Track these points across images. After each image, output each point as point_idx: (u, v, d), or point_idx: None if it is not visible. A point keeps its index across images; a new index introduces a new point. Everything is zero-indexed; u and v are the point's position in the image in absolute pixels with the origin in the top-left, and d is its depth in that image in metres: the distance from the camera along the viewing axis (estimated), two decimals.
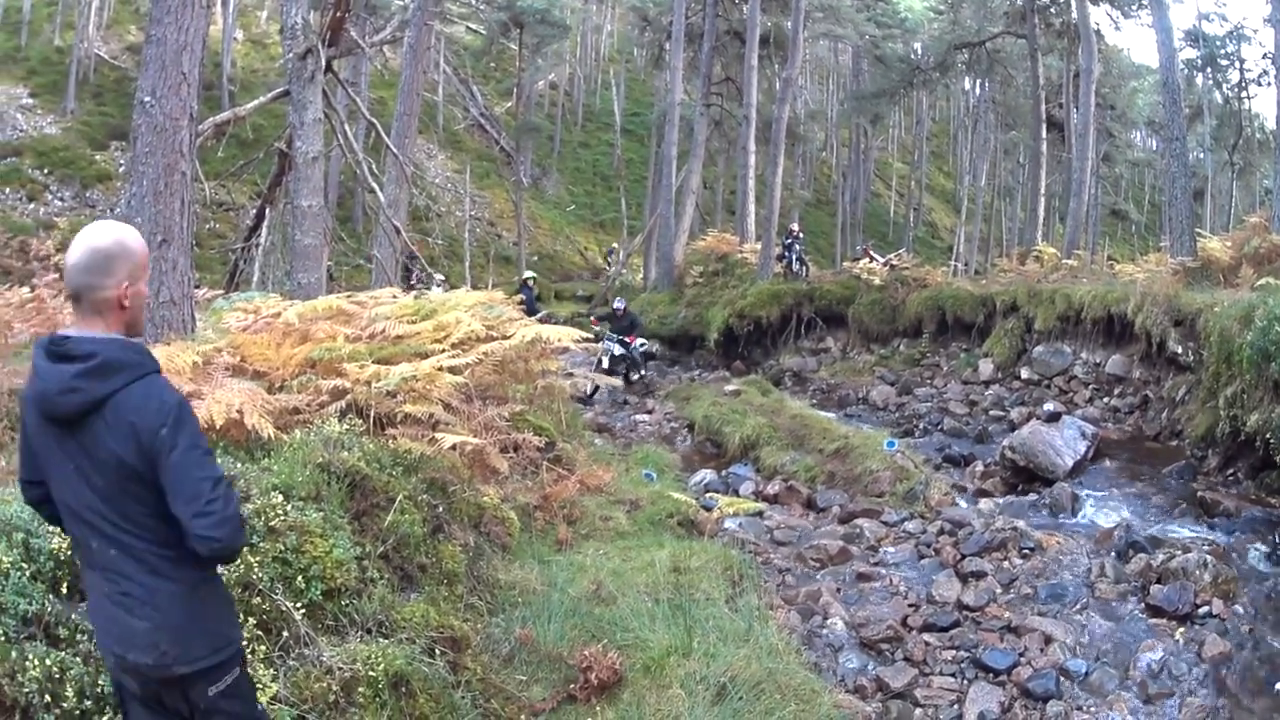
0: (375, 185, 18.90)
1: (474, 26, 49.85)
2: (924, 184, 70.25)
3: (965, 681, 8.13)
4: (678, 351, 31.13)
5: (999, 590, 9.98)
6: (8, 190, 39.40)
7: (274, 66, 52.68)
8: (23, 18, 49.70)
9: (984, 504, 13.69)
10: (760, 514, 12.93)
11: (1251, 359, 12.51)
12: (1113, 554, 10.74)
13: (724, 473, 15.60)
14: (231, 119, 17.70)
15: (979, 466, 15.80)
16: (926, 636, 8.98)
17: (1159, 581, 9.73)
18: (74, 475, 3.24)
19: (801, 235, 32.11)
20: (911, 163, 71.09)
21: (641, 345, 24.22)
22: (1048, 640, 8.65)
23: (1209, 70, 51.31)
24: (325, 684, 4.90)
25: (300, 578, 5.29)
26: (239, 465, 5.91)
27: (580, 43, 73.74)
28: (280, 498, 5.50)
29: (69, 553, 4.49)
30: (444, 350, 8.80)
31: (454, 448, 7.64)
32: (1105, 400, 19.19)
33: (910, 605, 9.74)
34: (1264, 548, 10.75)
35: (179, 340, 7.73)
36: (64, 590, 4.50)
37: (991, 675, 8.16)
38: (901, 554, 11.39)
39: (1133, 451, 15.92)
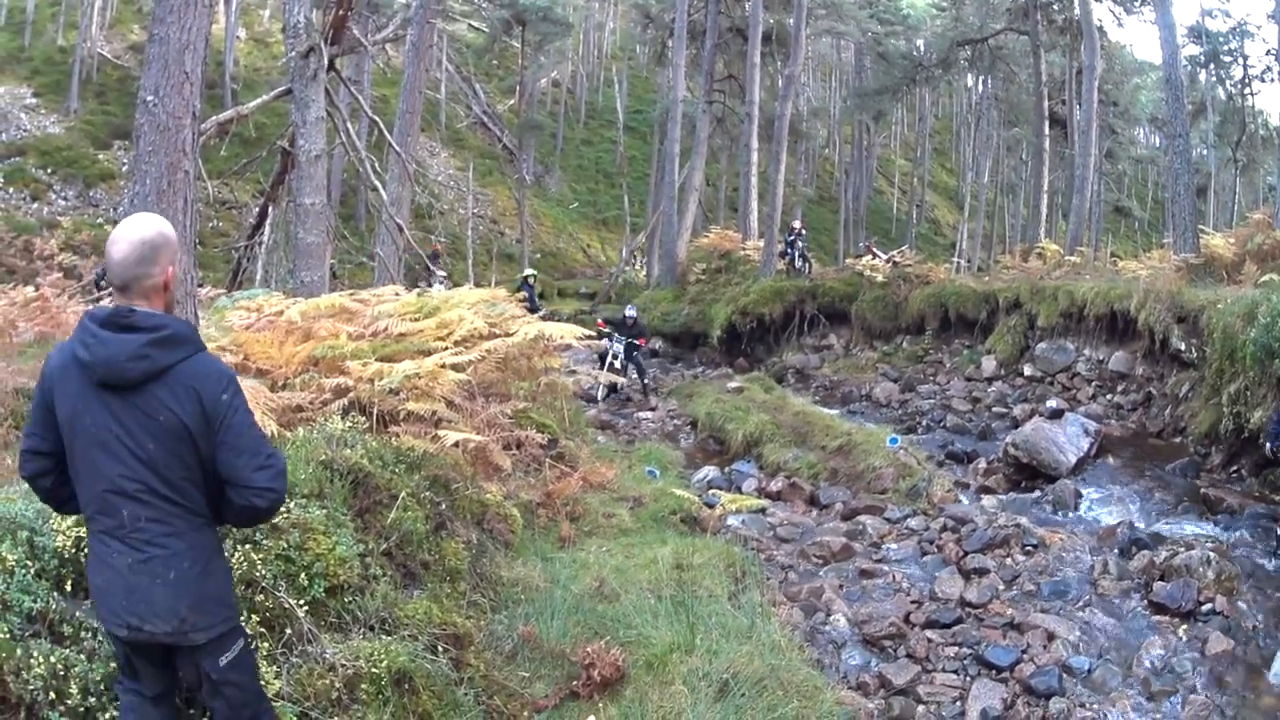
0: (378, 183, 18.90)
1: (476, 24, 49.79)
2: (927, 181, 70.23)
3: (968, 678, 8.13)
4: (681, 349, 31.14)
5: (1002, 587, 9.98)
6: (12, 190, 39.43)
7: (276, 65, 52.67)
8: (26, 18, 49.78)
9: (987, 501, 13.69)
10: (763, 511, 12.94)
11: (1255, 356, 12.52)
12: (1116, 551, 10.74)
13: (727, 470, 15.60)
14: (234, 117, 17.71)
15: (982, 463, 15.80)
16: (929, 633, 8.98)
17: (1162, 578, 9.73)
18: (117, 442, 3.41)
19: (804, 232, 32.11)
20: (914, 159, 71.07)
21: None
22: (1050, 637, 8.65)
23: (1212, 66, 51.31)
24: (328, 681, 4.91)
25: (303, 575, 5.30)
26: None
27: (583, 40, 73.74)
28: None
29: (73, 551, 4.51)
30: (447, 348, 8.81)
31: (457, 445, 7.66)
32: (1108, 397, 19.18)
33: (913, 602, 9.74)
34: (1267, 545, 10.74)
35: None
36: (68, 588, 4.51)
37: (994, 672, 8.17)
38: (904, 551, 11.40)
39: (1136, 448, 15.91)
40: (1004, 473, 15.08)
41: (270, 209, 19.31)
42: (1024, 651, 8.43)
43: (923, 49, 52.02)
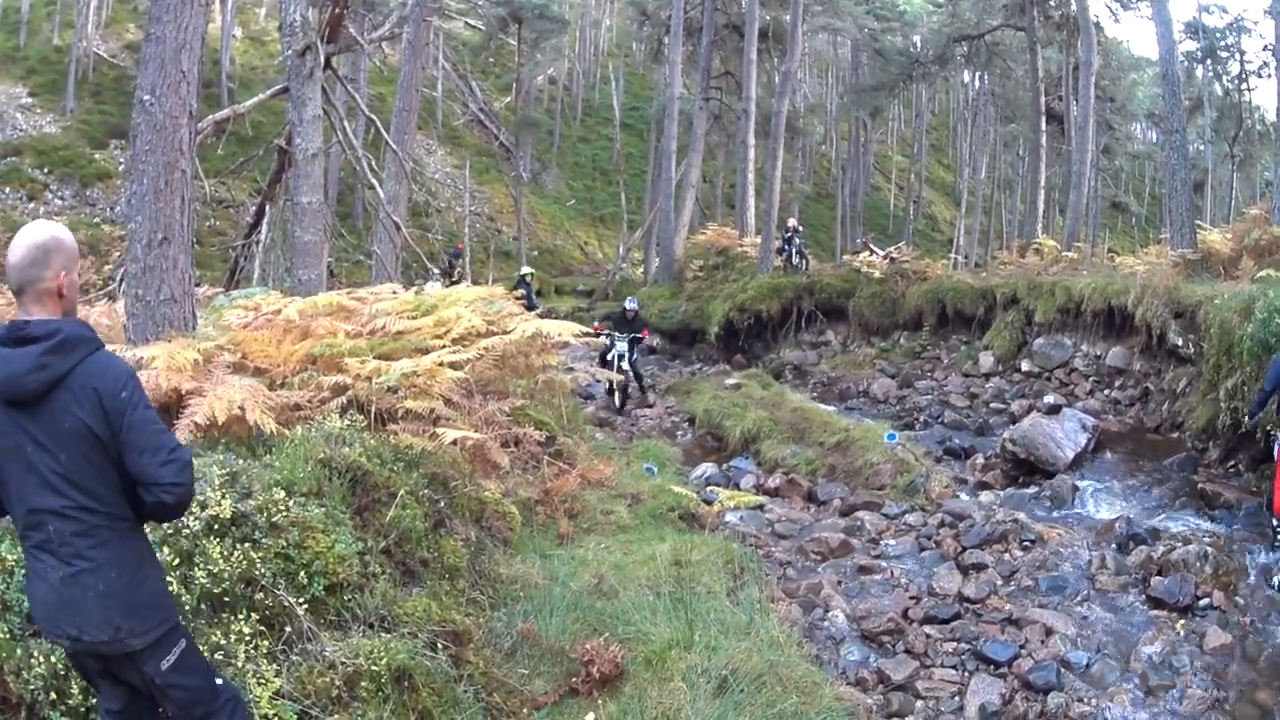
0: (375, 181, 18.91)
1: (472, 22, 49.80)
2: (924, 177, 70.20)
3: (966, 673, 8.15)
4: (678, 345, 31.16)
5: (1000, 582, 10.00)
6: (8, 190, 39.38)
7: (273, 64, 52.63)
8: (21, 17, 49.70)
9: (985, 496, 13.71)
10: (761, 507, 12.95)
11: (1252, 351, 12.53)
12: (1113, 546, 10.76)
13: (725, 466, 15.61)
14: (231, 116, 17.72)
15: (980, 459, 15.81)
16: (927, 629, 9.00)
17: (1160, 573, 9.75)
18: (33, 457, 3.42)
19: (801, 229, 32.12)
20: (911, 156, 71.06)
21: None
22: (1048, 632, 8.67)
23: (1209, 62, 51.37)
24: (328, 679, 4.92)
25: (302, 573, 5.31)
26: (241, 462, 5.93)
27: (579, 37, 73.76)
28: (282, 494, 5.52)
29: None
30: (444, 346, 8.82)
31: (455, 443, 7.66)
32: (1106, 392, 19.19)
33: (911, 597, 9.76)
34: (1264, 540, 10.75)
35: (180, 337, 7.74)
36: None
37: (992, 667, 8.18)
38: (902, 546, 11.41)
39: (1133, 444, 15.93)
40: (1002, 468, 15.10)
41: (267, 207, 19.29)
42: (1022, 646, 8.44)
43: (919, 45, 52.02)
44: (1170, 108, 23.11)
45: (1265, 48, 45.94)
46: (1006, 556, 10.69)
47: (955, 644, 8.67)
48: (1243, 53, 50.15)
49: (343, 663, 5.03)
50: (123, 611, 3.48)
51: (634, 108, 70.82)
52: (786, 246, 30.27)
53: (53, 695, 4.09)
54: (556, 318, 12.26)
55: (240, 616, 4.82)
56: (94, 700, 4.13)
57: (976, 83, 60.13)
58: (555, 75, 69.67)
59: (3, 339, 3.42)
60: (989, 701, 7.49)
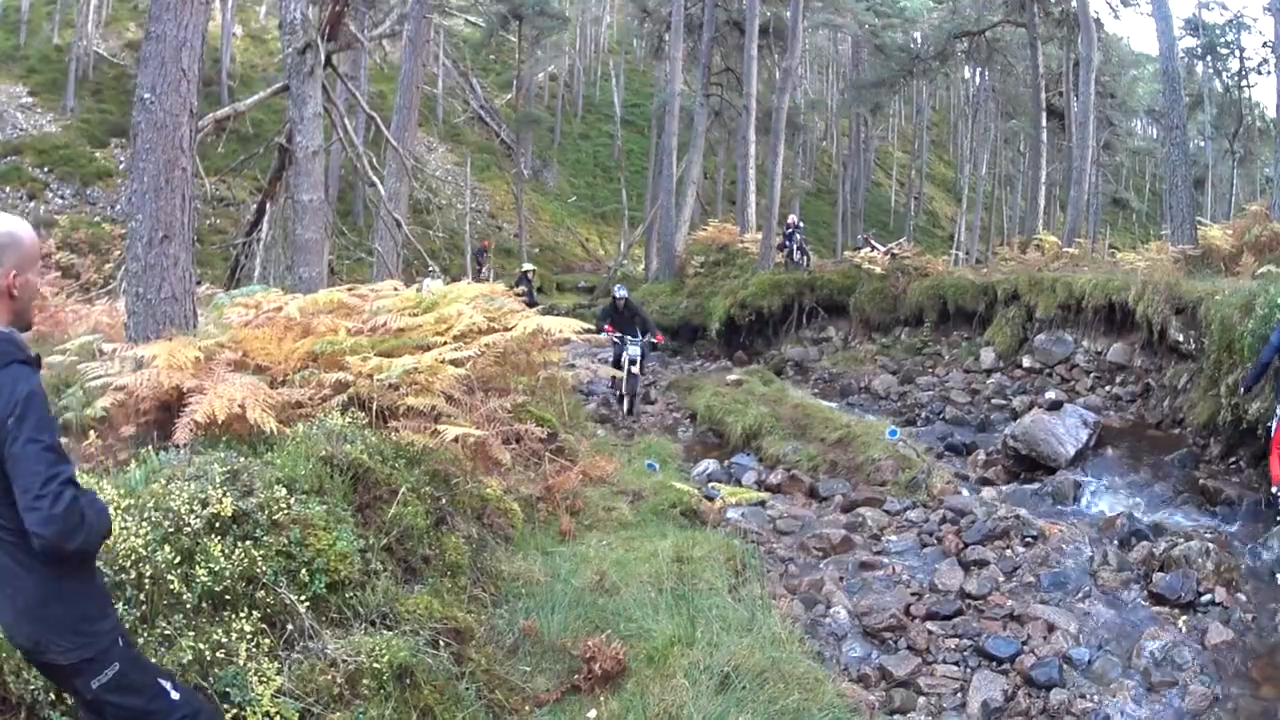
0: (376, 179, 18.90)
1: (473, 19, 49.84)
2: (924, 173, 70.29)
3: (968, 670, 8.13)
4: (679, 342, 31.15)
5: (1001, 579, 9.98)
6: (8, 189, 39.42)
7: (273, 62, 52.64)
8: (21, 16, 49.76)
9: (986, 492, 13.68)
10: (763, 503, 12.94)
11: (1253, 347, 12.50)
12: (1115, 542, 10.74)
13: (726, 463, 15.58)
14: (231, 115, 17.70)
15: (981, 455, 15.79)
16: (929, 625, 8.98)
17: (1161, 569, 9.73)
18: None
19: (802, 225, 32.11)
20: (912, 152, 71.14)
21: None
22: (1050, 628, 8.65)
23: (1209, 59, 51.40)
24: (330, 676, 4.92)
25: (304, 571, 5.31)
26: (242, 459, 5.92)
27: (580, 34, 73.80)
28: (283, 491, 5.52)
29: None
30: (446, 343, 8.83)
31: (456, 440, 7.66)
32: (1107, 388, 19.16)
33: (913, 594, 9.73)
34: (1267, 535, 10.74)
35: (181, 336, 7.74)
36: None
37: (994, 663, 8.16)
38: (904, 543, 11.39)
39: (1135, 440, 15.91)
40: (1003, 464, 15.09)
41: (268, 205, 19.27)
42: (1024, 643, 8.43)
43: (920, 42, 51.96)
44: (1170, 104, 23.11)
45: (1265, 44, 45.99)
46: (1008, 553, 10.67)
47: (957, 640, 8.66)
48: (1242, 49, 50.22)
49: (344, 660, 5.03)
50: (40, 629, 3.35)
51: (635, 104, 70.87)
52: (787, 243, 30.29)
53: (52, 695, 4.08)
54: (558, 314, 12.26)
55: (242, 614, 4.82)
56: None
57: (977, 79, 60.23)
58: (556, 72, 69.72)
59: None
60: (991, 698, 7.48)
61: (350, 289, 11.09)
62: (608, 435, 15.85)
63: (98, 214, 39.27)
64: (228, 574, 4.90)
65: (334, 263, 23.98)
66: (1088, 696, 7.47)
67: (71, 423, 7.44)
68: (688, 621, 6.91)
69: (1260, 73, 49.37)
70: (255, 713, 4.47)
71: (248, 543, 5.10)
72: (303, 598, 5.17)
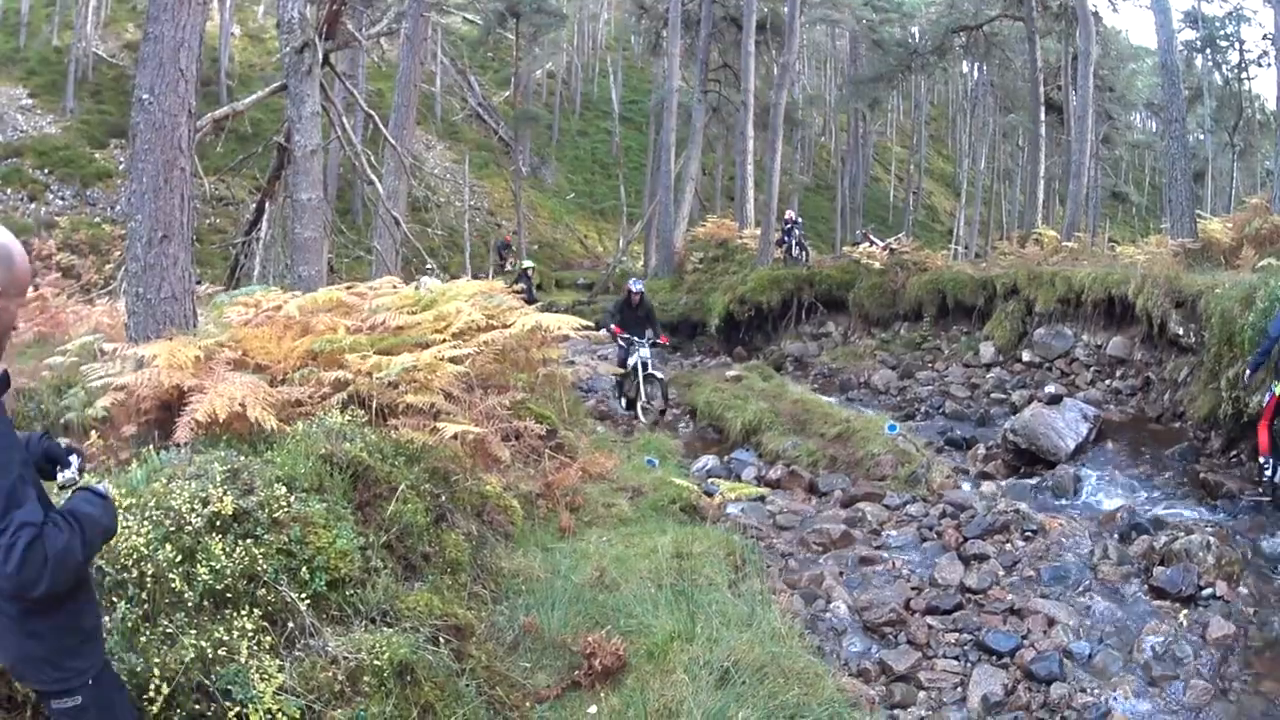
0: (374, 177, 18.91)
1: (471, 17, 49.79)
2: (923, 168, 70.26)
3: (968, 664, 8.14)
4: (679, 338, 31.11)
5: (1001, 573, 9.98)
6: (9, 191, 39.50)
7: (271, 61, 52.62)
8: (21, 19, 49.83)
9: (986, 487, 13.69)
10: (762, 499, 12.94)
11: (1253, 340, 12.51)
12: (1115, 536, 10.74)
13: (726, 458, 15.60)
14: (230, 114, 17.72)
15: (981, 449, 15.81)
16: (929, 619, 8.99)
17: (1162, 563, 9.72)
18: None
19: (800, 221, 32.10)
20: (910, 147, 71.10)
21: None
22: (1051, 622, 8.65)
23: (1208, 52, 51.33)
24: (331, 674, 4.93)
25: (304, 569, 5.32)
26: (242, 458, 5.94)
27: (577, 31, 73.79)
28: (284, 489, 5.54)
29: None
30: (445, 340, 8.84)
31: (455, 437, 7.67)
32: (1107, 382, 19.17)
33: (913, 588, 9.75)
34: (1268, 529, 10.75)
35: (181, 335, 7.76)
36: None
37: (995, 658, 8.17)
38: (904, 537, 11.40)
39: (1135, 433, 15.91)
40: (1003, 459, 15.09)
41: (267, 205, 19.27)
42: (1024, 637, 8.43)
43: (917, 36, 51.92)
44: (1170, 97, 23.09)
45: (1265, 36, 45.93)
46: (1008, 547, 10.68)
47: (957, 635, 8.66)
48: (1242, 42, 50.11)
49: (345, 658, 5.04)
50: (14, 657, 3.31)
51: (633, 101, 70.88)
52: (786, 238, 30.28)
53: None
54: (557, 311, 12.28)
55: (243, 612, 4.82)
56: None
57: (975, 73, 60.22)
58: (554, 69, 69.74)
59: None
60: (991, 692, 7.49)
61: (349, 287, 11.12)
62: (607, 432, 15.86)
63: (98, 215, 39.35)
64: (229, 572, 4.91)
65: (333, 261, 24.01)
66: (1088, 690, 7.48)
67: (73, 423, 7.47)
68: (688, 617, 6.92)
69: (1260, 65, 49.37)
70: (257, 710, 4.48)
71: (248, 541, 5.11)
72: (303, 595, 5.18)
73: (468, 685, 5.60)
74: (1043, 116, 40.09)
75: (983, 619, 8.91)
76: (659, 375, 18.48)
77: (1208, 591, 9.14)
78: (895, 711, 7.37)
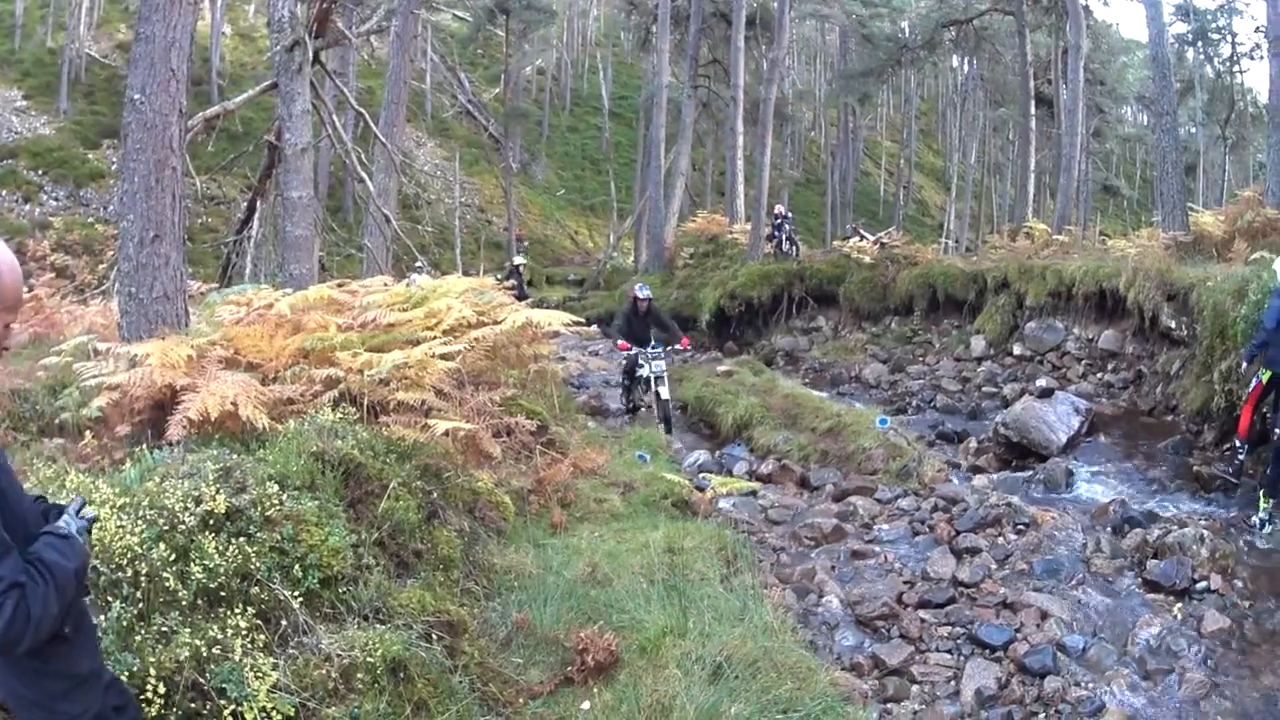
0: (365, 175, 18.91)
1: (460, 14, 49.72)
2: (913, 162, 70.37)
3: (962, 658, 8.14)
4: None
5: (994, 566, 9.98)
6: (4, 192, 39.63)
7: (262, 60, 52.69)
8: (15, 21, 49.88)
9: (978, 480, 13.70)
10: (754, 493, 12.94)
11: (1245, 333, 12.54)
12: (1108, 529, 10.76)
13: (718, 453, 15.61)
14: (221, 113, 17.71)
15: (972, 443, 15.82)
16: (922, 613, 8.98)
17: (1155, 557, 9.74)
18: None
19: (790, 215, 32.15)
20: (900, 141, 71.26)
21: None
22: (1044, 616, 8.65)
23: (1200, 44, 51.45)
24: (324, 671, 4.93)
25: (297, 566, 5.32)
26: (234, 456, 5.94)
27: (567, 27, 73.78)
28: (276, 487, 5.53)
29: None
30: (435, 337, 8.83)
31: (447, 434, 7.67)
32: (1099, 376, 19.21)
33: (905, 582, 9.74)
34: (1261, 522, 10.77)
35: (173, 334, 7.75)
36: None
37: (988, 651, 8.16)
38: (896, 531, 11.40)
39: (1127, 427, 15.95)
40: (995, 452, 15.11)
41: (258, 203, 19.28)
42: (1018, 630, 8.43)
43: (907, 31, 51.95)
44: (1161, 90, 23.11)
45: (1257, 29, 46.06)
46: (1000, 540, 10.68)
47: (950, 628, 8.66)
48: (1234, 35, 50.30)
49: (338, 655, 5.04)
50: (9, 696, 3.29)
51: (622, 97, 70.89)
52: (776, 233, 30.34)
53: None
54: (547, 307, 12.29)
55: (236, 610, 4.82)
56: None
57: (965, 67, 60.25)
58: (543, 66, 69.79)
59: None
60: (985, 685, 7.49)
61: (340, 285, 11.11)
62: (598, 427, 15.84)
63: (91, 215, 39.40)
64: (222, 571, 4.91)
65: (324, 259, 23.98)
66: (1082, 684, 7.48)
67: (68, 423, 7.47)
68: (680, 612, 6.92)
69: (1252, 58, 49.49)
70: (251, 708, 4.48)
71: (241, 539, 5.11)
72: (296, 593, 5.18)
73: (460, 682, 5.60)
74: (1033, 110, 40.15)
75: (975, 612, 8.91)
76: (665, 396, 16.62)
77: (1202, 585, 9.14)
78: (888, 705, 7.36)
